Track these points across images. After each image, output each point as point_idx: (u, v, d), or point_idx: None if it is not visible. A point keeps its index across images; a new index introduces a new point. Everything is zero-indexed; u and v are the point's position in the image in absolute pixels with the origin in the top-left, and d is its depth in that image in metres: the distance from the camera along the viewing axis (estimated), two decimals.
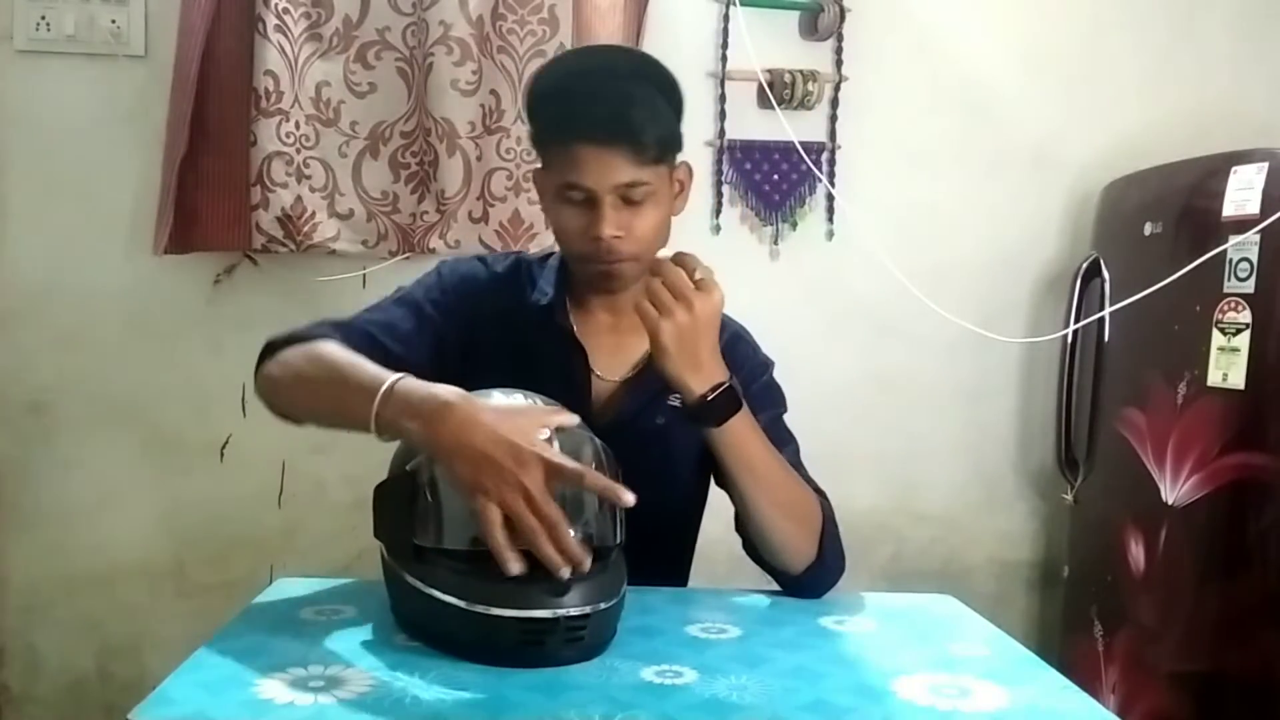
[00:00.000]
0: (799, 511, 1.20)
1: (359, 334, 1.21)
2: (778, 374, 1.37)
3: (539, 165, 1.28)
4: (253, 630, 1.01)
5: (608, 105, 1.17)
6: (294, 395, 1.15)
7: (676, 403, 1.28)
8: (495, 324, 1.29)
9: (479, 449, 0.93)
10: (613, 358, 1.30)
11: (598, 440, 1.04)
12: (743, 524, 1.23)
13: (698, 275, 1.11)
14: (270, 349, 1.18)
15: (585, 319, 1.31)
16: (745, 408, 1.15)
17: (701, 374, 1.12)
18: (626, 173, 1.17)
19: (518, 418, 0.99)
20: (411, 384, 1.01)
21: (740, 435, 1.15)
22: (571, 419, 1.02)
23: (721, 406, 1.13)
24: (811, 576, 1.21)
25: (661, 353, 1.10)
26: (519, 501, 0.92)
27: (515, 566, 0.92)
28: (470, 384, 1.02)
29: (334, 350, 1.13)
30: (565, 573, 0.92)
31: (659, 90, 1.22)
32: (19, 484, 2.04)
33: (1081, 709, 0.93)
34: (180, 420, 2.06)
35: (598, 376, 1.30)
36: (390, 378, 1.02)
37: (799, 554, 1.20)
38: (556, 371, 1.26)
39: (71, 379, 2.03)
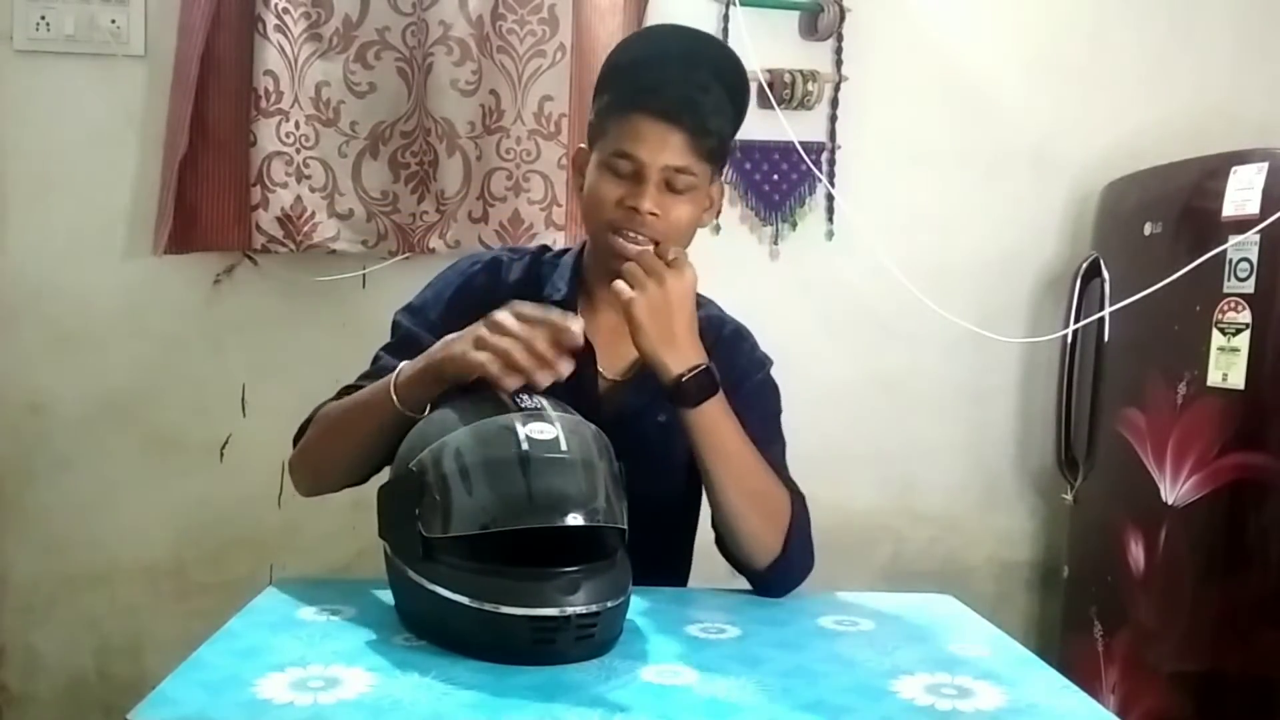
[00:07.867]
0: (766, 504, 1.21)
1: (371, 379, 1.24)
2: (777, 374, 1.37)
3: (584, 145, 1.28)
4: (253, 630, 1.01)
5: (681, 87, 1.19)
6: (323, 450, 1.23)
7: None
8: None
9: (466, 331, 1.08)
10: (618, 356, 1.31)
11: (603, 435, 1.06)
12: (714, 517, 1.23)
13: (670, 255, 1.15)
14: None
15: (593, 317, 1.31)
16: (722, 394, 1.16)
17: (677, 353, 1.14)
18: (680, 156, 1.19)
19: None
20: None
21: (714, 420, 1.16)
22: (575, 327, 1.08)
23: (697, 388, 1.14)
24: (775, 573, 1.21)
25: (636, 328, 1.13)
26: (485, 332, 1.05)
27: (510, 382, 1.03)
28: None
29: (330, 403, 1.25)
30: (543, 379, 1.03)
31: (731, 94, 1.24)
32: (19, 484, 2.04)
33: (1081, 709, 0.93)
34: (180, 420, 2.06)
35: (602, 374, 1.30)
36: (394, 371, 1.13)
37: (763, 548, 1.20)
38: None
39: (71, 379, 2.03)
